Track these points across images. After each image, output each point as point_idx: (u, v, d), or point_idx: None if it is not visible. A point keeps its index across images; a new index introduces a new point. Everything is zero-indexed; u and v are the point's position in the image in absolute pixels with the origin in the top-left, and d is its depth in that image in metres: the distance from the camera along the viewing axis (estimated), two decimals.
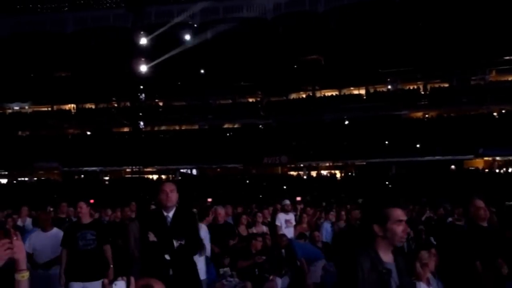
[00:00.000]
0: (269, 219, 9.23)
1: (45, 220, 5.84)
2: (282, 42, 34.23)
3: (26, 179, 34.82)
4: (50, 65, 38.07)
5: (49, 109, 39.45)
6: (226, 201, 12.15)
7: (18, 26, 39.30)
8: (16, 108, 39.85)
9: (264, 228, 8.09)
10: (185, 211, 4.14)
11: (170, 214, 3.93)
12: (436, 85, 34.23)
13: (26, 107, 39.88)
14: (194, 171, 34.04)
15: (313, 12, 36.06)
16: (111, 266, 5.38)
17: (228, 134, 34.89)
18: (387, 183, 26.48)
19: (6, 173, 35.06)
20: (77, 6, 39.92)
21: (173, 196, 3.87)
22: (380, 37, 32.68)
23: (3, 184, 34.27)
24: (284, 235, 7.43)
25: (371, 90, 35.23)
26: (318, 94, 36.46)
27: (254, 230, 7.85)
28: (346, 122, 33.02)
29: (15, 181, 34.68)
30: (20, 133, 37.79)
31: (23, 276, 1.93)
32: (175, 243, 3.80)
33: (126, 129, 36.93)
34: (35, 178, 34.74)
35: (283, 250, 6.91)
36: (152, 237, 3.87)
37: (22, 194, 27.41)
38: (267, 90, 35.32)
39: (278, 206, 10.50)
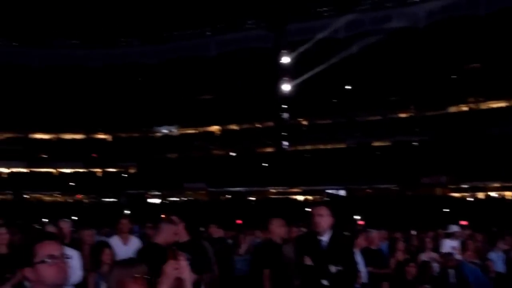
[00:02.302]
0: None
1: None
2: (438, 52, 37.44)
3: (177, 199, 42.71)
4: (195, 88, 46.78)
5: (195, 131, 47.78)
6: (379, 225, 13.39)
7: (165, 54, 49.25)
8: (165, 131, 49.25)
9: (434, 255, 8.52)
10: (341, 235, 4.81)
11: (325, 238, 4.58)
12: None
13: (174, 130, 48.84)
14: (342, 192, 38.37)
15: (473, 16, 38.58)
16: None
17: (378, 153, 38.80)
18: None
19: (159, 193, 43.42)
20: (219, 30, 48.33)
21: (322, 221, 4.55)
22: None
23: (157, 204, 42.56)
24: (451, 253, 7.91)
25: None
26: (482, 106, 38.51)
27: (423, 257, 8.37)
28: None
29: (166, 201, 42.80)
30: (169, 155, 46.40)
31: None
32: (332, 269, 4.36)
33: (270, 149, 43.22)
34: (185, 198, 42.45)
35: (450, 271, 7.39)
36: (308, 261, 4.49)
37: (173, 214, 34.54)
38: (422, 104, 38.69)
39: (440, 232, 11.55)
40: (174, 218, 5.40)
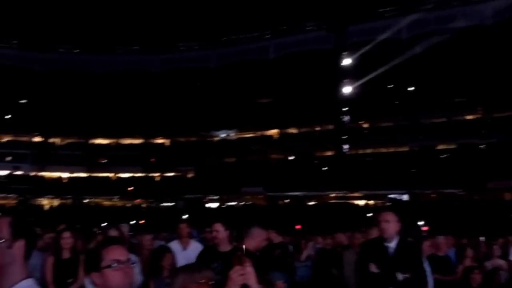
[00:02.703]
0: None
1: None
2: (505, 50, 37.31)
3: (234, 203, 44.11)
4: (254, 92, 48.28)
5: (253, 135, 49.28)
6: (444, 231, 13.68)
7: (224, 57, 51.15)
8: (223, 135, 50.99)
9: (501, 263, 8.57)
10: (408, 241, 4.94)
11: (392, 244, 4.65)
12: None
13: (232, 134, 50.54)
14: (405, 197, 38.59)
15: None
16: None
17: (443, 156, 38.82)
18: None
19: (216, 197, 45.00)
20: (279, 33, 49.85)
21: (389, 227, 4.64)
22: None
23: (214, 208, 44.12)
24: None
25: None
26: None
27: (490, 264, 8.47)
28: None
29: (224, 206, 44.28)
30: (227, 159, 47.98)
31: None
32: (400, 276, 4.39)
33: (329, 153, 44.06)
34: (242, 203, 43.77)
35: None
36: (373, 268, 4.54)
37: (231, 219, 35.81)
38: (489, 105, 38.53)
39: (510, 239, 11.82)
40: (217, 225, 5.26)
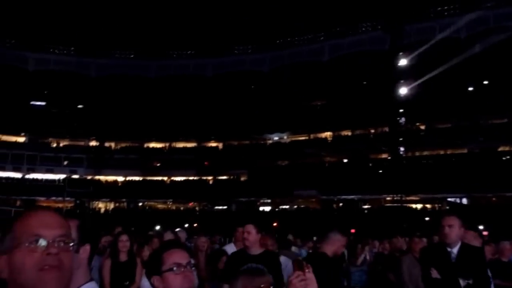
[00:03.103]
0: None
1: None
2: None
3: (287, 207, 45.33)
4: (307, 94, 49.59)
5: (306, 138, 50.52)
6: (505, 236, 13.59)
7: (278, 60, 52.87)
8: (276, 138, 52.49)
9: None
10: (471, 246, 4.95)
11: (455, 250, 4.71)
12: None
13: (285, 137, 51.97)
14: (464, 200, 38.73)
15: None
16: None
17: (504, 158, 38.76)
18: None
19: (269, 201, 46.40)
20: (333, 34, 51.18)
21: (452, 232, 4.70)
22: None
23: (267, 212, 45.48)
24: None
25: None
26: None
27: None
28: None
29: (277, 209, 45.57)
30: (279, 162, 49.35)
31: None
32: (462, 282, 4.44)
33: (384, 156, 44.83)
34: (295, 206, 44.96)
35: None
36: (435, 273, 4.62)
37: (284, 222, 36.98)
38: None
39: None
40: (248, 227, 5.25)
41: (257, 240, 5.26)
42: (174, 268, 2.40)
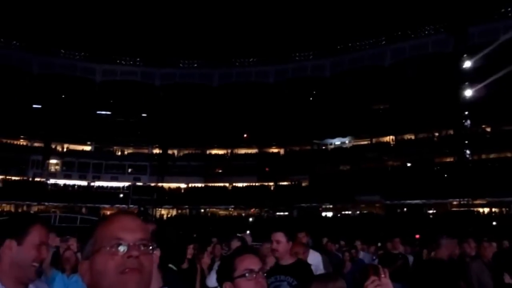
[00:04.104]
0: None
1: None
2: None
3: (349, 212, 46.05)
4: (369, 98, 50.45)
5: (368, 142, 51.32)
6: None
7: (339, 65, 54.06)
8: (337, 143, 53.47)
9: None
10: None
11: None
12: None
13: (346, 142, 52.83)
14: None
15: None
16: None
17: None
18: None
19: (331, 206, 47.25)
20: (395, 38, 51.87)
21: None
22: None
23: (329, 217, 46.29)
24: None
25: None
26: None
27: None
28: None
29: (339, 215, 46.34)
30: (341, 167, 50.20)
31: None
32: None
33: (449, 159, 44.78)
34: (358, 212, 45.61)
35: None
36: (508, 279, 4.63)
37: (346, 227, 37.58)
38: None
39: None
40: (277, 235, 4.77)
41: (288, 250, 4.83)
42: (247, 274, 2.41)
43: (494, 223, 36.92)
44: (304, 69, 60.23)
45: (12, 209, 51.25)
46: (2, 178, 53.70)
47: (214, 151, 61.85)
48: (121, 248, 1.56)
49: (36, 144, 56.87)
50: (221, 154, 61.65)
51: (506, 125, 43.93)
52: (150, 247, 1.62)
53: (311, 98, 57.35)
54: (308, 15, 53.16)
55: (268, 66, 61.86)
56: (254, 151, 60.13)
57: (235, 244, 6.55)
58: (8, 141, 56.23)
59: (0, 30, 56.50)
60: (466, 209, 40.94)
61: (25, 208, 51.71)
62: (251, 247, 3.69)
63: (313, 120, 54.24)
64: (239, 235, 7.44)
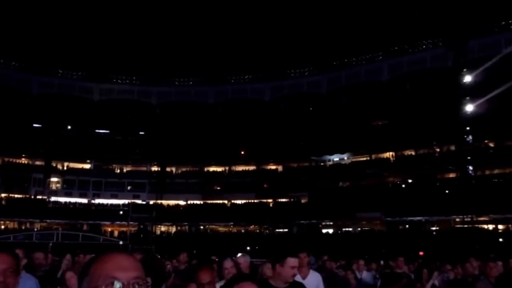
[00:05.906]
0: None
1: None
2: None
3: (350, 229, 43.65)
4: (367, 114, 48.12)
5: (367, 158, 48.84)
6: None
7: (336, 82, 51.83)
8: (336, 159, 51.00)
9: None
10: None
11: None
12: None
13: (345, 158, 50.42)
14: None
15: None
16: None
17: None
18: None
19: (331, 223, 44.83)
20: (392, 53, 49.61)
21: None
22: None
23: (329, 234, 43.95)
24: None
25: None
26: None
27: None
28: None
29: (339, 231, 43.96)
30: (341, 184, 47.75)
31: None
32: None
33: (452, 175, 42.36)
34: (359, 228, 43.20)
35: None
36: None
37: (347, 245, 35.64)
38: None
39: None
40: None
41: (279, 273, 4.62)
42: None
43: (500, 239, 34.82)
44: (300, 85, 58.04)
45: (16, 226, 50.51)
46: (5, 196, 52.72)
47: (212, 168, 59.81)
48: (116, 287, 1.56)
49: (37, 163, 55.76)
50: (219, 171, 59.62)
51: (509, 140, 41.74)
52: (144, 285, 1.61)
53: (308, 115, 55.06)
54: (303, 31, 51.03)
55: (263, 83, 59.77)
56: (252, 168, 57.89)
57: (228, 265, 5.94)
58: (10, 159, 55.00)
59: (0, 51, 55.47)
60: (470, 226, 38.45)
61: (28, 225, 50.97)
62: (249, 275, 3.43)
63: (310, 137, 51.97)
64: (234, 258, 6.55)
